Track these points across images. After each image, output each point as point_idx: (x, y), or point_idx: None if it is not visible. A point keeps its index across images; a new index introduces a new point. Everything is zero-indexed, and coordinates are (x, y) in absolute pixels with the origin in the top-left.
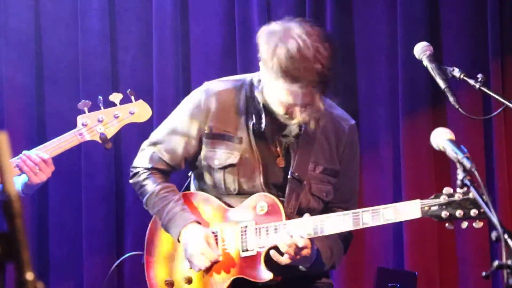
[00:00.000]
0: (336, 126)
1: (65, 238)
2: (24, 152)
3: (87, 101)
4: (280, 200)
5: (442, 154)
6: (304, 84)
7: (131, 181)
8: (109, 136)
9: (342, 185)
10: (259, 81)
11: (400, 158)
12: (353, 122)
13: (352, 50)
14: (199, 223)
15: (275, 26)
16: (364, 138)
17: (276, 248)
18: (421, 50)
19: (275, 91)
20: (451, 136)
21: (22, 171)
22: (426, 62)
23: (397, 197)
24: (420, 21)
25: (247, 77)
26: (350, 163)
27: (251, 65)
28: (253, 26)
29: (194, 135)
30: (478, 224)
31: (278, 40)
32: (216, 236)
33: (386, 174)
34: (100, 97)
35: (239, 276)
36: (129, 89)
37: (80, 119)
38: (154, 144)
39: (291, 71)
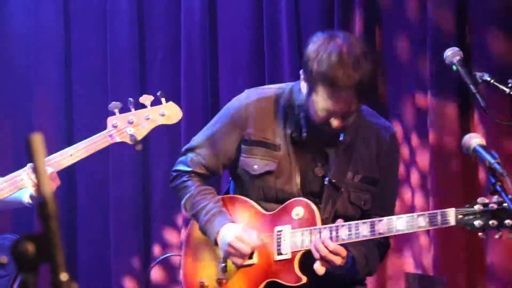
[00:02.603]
0: (377, 134)
1: (93, 240)
2: (30, 164)
3: (117, 102)
4: (316, 206)
5: (470, 159)
6: (341, 90)
7: (170, 184)
8: (139, 138)
9: (381, 194)
10: (299, 89)
11: (429, 162)
12: (393, 130)
13: (380, 57)
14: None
15: (321, 34)
16: None
17: (310, 252)
18: (451, 55)
19: (313, 98)
20: (482, 141)
21: (26, 184)
22: (457, 67)
23: (425, 201)
24: (449, 26)
25: (287, 85)
26: (389, 171)
27: (279, 69)
28: (281, 29)
29: (233, 142)
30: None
31: (321, 46)
32: None
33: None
34: (131, 99)
35: (273, 279)
36: (159, 91)
37: (110, 120)
38: (194, 148)
39: (330, 76)
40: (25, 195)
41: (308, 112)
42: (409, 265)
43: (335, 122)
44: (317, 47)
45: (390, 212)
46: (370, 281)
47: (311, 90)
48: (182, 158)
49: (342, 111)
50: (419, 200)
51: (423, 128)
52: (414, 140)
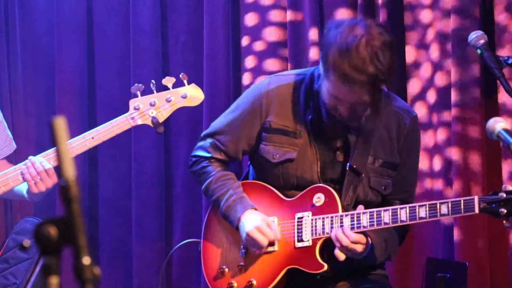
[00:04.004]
0: (398, 118)
1: (114, 224)
2: (30, 157)
3: (140, 85)
4: (337, 193)
5: (493, 143)
6: (352, 82)
7: (190, 169)
8: (161, 120)
9: (401, 177)
10: (320, 75)
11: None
12: (415, 114)
13: (403, 44)
14: (257, 210)
15: (343, 20)
16: None
17: (331, 239)
18: (476, 38)
19: (326, 84)
20: (506, 125)
21: (24, 179)
22: (481, 51)
23: (448, 186)
24: (472, 13)
25: (309, 70)
26: (410, 155)
27: (301, 54)
28: (304, 12)
29: (253, 129)
30: None
31: (341, 34)
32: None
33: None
34: (153, 81)
35: (294, 266)
36: (181, 73)
37: (132, 103)
38: (214, 134)
39: (342, 66)
40: (26, 189)
41: (322, 96)
42: (431, 250)
43: (342, 111)
44: (337, 34)
45: (410, 196)
46: (391, 265)
47: (324, 74)
48: (201, 144)
49: (348, 101)
50: (440, 186)
51: (445, 112)
52: (437, 124)
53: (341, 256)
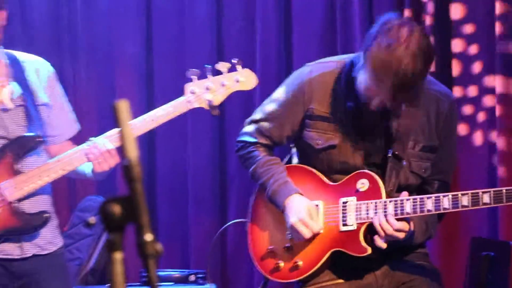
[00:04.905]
0: (437, 102)
1: (172, 204)
2: (92, 139)
3: (195, 69)
4: (380, 178)
5: None
6: (385, 80)
7: (237, 153)
8: (216, 103)
9: (440, 159)
10: (359, 62)
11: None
12: (453, 97)
13: (448, 43)
14: (301, 194)
15: (391, 18)
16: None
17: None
18: None
19: (362, 74)
20: None
21: (88, 159)
22: None
23: (492, 175)
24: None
25: (348, 57)
26: (448, 137)
27: (350, 41)
28: (353, 2)
29: (296, 116)
30: None
31: (385, 31)
32: (317, 208)
33: (481, 155)
34: (208, 66)
35: (338, 249)
36: (235, 58)
37: (188, 87)
38: (259, 120)
39: (376, 64)
40: (88, 168)
41: (358, 84)
42: (476, 230)
43: (372, 103)
44: (382, 30)
45: (448, 176)
46: (437, 247)
47: (362, 64)
48: (247, 129)
49: (378, 96)
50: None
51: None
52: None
53: (383, 245)
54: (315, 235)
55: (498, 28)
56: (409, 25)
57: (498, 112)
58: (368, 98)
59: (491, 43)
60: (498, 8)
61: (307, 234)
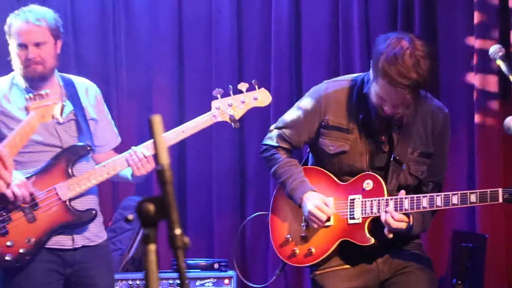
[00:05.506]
0: (432, 115)
1: (199, 203)
2: (132, 147)
3: (220, 89)
4: (383, 179)
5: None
6: (397, 86)
7: (261, 155)
8: (237, 117)
9: (435, 163)
10: (369, 79)
11: (474, 142)
12: (446, 111)
13: (436, 51)
14: (316, 192)
15: (391, 34)
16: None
17: (377, 218)
18: (494, 51)
19: (374, 85)
20: None
21: (128, 164)
22: (499, 62)
23: (471, 176)
24: (494, 27)
25: (359, 76)
26: (442, 145)
27: (351, 62)
28: (353, 30)
29: (313, 125)
30: None
31: (389, 45)
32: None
33: (462, 157)
34: (230, 86)
35: (346, 238)
36: (253, 80)
37: (213, 103)
38: (281, 128)
39: (390, 72)
40: (129, 173)
41: (371, 97)
42: (457, 223)
43: (387, 109)
44: (386, 45)
45: (442, 178)
46: (425, 237)
47: (373, 79)
48: (270, 134)
49: (393, 101)
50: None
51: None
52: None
53: (389, 235)
54: (326, 226)
55: None
56: (406, 36)
57: None
58: (381, 107)
59: None
60: None
61: (323, 217)
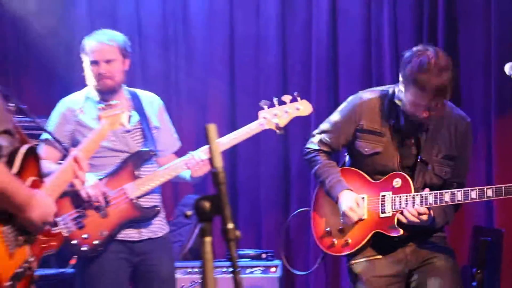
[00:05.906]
0: (456, 122)
1: (248, 201)
2: (190, 152)
3: (266, 100)
4: (410, 178)
5: None
6: (426, 91)
7: (304, 157)
8: (281, 125)
9: (458, 166)
10: (399, 90)
11: (491, 145)
12: (469, 120)
13: (458, 64)
14: (351, 190)
15: (417, 47)
16: None
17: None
18: (510, 68)
19: (407, 94)
20: None
21: (187, 167)
22: None
23: (489, 175)
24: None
25: (390, 87)
26: (464, 149)
27: (382, 77)
28: (384, 47)
29: (349, 129)
30: None
31: (415, 56)
32: (363, 200)
33: (481, 158)
34: (276, 98)
35: (378, 230)
36: (296, 92)
37: (261, 113)
38: (322, 132)
39: (419, 78)
40: (188, 174)
41: (404, 106)
42: (477, 219)
43: (422, 114)
44: (412, 56)
45: (463, 179)
46: (447, 230)
47: (405, 88)
48: (312, 139)
49: (426, 106)
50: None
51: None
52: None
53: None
54: (360, 220)
55: None
56: (431, 48)
57: None
58: (414, 112)
59: None
60: None
61: (354, 217)
